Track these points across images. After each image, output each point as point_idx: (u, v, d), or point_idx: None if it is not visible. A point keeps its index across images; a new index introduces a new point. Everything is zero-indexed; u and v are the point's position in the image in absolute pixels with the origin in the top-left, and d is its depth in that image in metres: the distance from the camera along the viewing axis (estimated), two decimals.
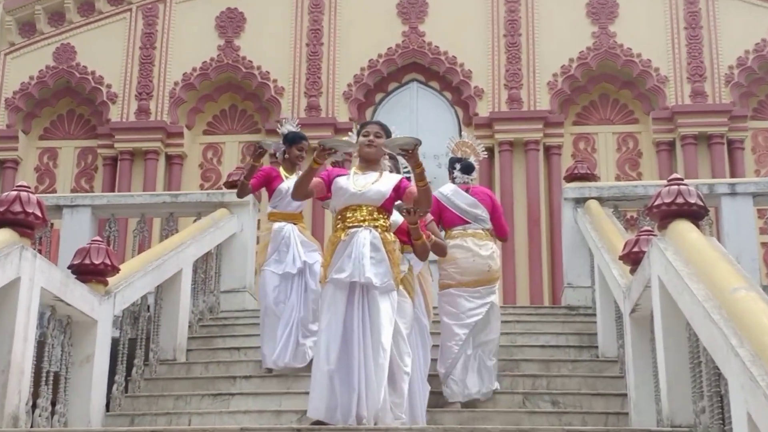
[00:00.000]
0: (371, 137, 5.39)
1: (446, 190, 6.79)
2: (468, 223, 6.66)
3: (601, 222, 7.38)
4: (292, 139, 7.22)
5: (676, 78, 11.77)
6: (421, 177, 5.16)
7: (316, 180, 5.41)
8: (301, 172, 6.00)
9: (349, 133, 5.76)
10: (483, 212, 6.72)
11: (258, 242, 7.96)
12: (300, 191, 5.37)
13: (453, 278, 6.54)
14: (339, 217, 5.30)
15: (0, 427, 4.76)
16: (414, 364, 5.52)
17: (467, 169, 6.87)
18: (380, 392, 4.92)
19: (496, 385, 6.43)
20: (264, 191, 7.44)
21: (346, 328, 5.04)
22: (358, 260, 5.07)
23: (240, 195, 7.33)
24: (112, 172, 12.15)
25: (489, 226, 6.75)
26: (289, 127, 7.33)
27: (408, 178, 5.45)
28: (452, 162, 6.93)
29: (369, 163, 5.40)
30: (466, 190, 6.78)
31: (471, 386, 6.33)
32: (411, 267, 5.69)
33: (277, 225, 7.07)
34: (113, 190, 11.79)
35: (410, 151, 5.10)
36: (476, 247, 6.58)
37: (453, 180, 6.86)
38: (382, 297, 5.08)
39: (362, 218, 5.21)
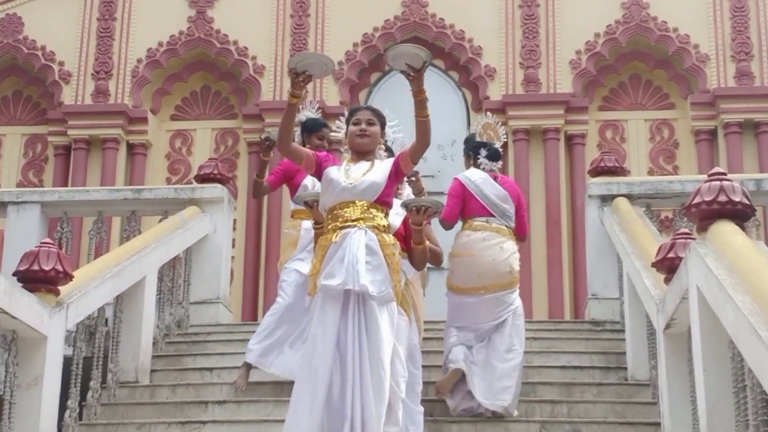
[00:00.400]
0: (363, 125, 5.37)
1: (474, 176, 6.85)
2: (493, 215, 6.74)
3: (631, 223, 7.40)
4: (312, 127, 7.25)
5: (718, 56, 11.79)
6: (422, 106, 5.12)
7: (308, 152, 5.41)
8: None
9: (337, 121, 5.76)
10: (511, 208, 6.83)
11: (242, 240, 7.94)
12: (284, 142, 5.29)
13: (469, 279, 6.58)
14: (329, 216, 5.27)
15: None
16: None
17: (495, 156, 6.97)
18: (380, 419, 4.88)
19: (516, 412, 6.44)
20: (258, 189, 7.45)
21: (339, 345, 5.00)
22: (351, 265, 5.02)
23: (256, 195, 7.49)
24: (64, 163, 12.15)
25: (513, 224, 6.83)
26: (307, 114, 7.38)
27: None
28: (475, 147, 7.00)
29: (362, 154, 5.38)
30: (494, 179, 6.87)
31: (479, 388, 6.39)
32: (407, 280, 5.68)
33: (307, 223, 7.10)
34: (66, 185, 11.80)
35: (418, 69, 5.03)
36: (498, 246, 6.63)
37: (477, 167, 6.92)
38: (380, 309, 5.03)
39: (356, 216, 5.17)
